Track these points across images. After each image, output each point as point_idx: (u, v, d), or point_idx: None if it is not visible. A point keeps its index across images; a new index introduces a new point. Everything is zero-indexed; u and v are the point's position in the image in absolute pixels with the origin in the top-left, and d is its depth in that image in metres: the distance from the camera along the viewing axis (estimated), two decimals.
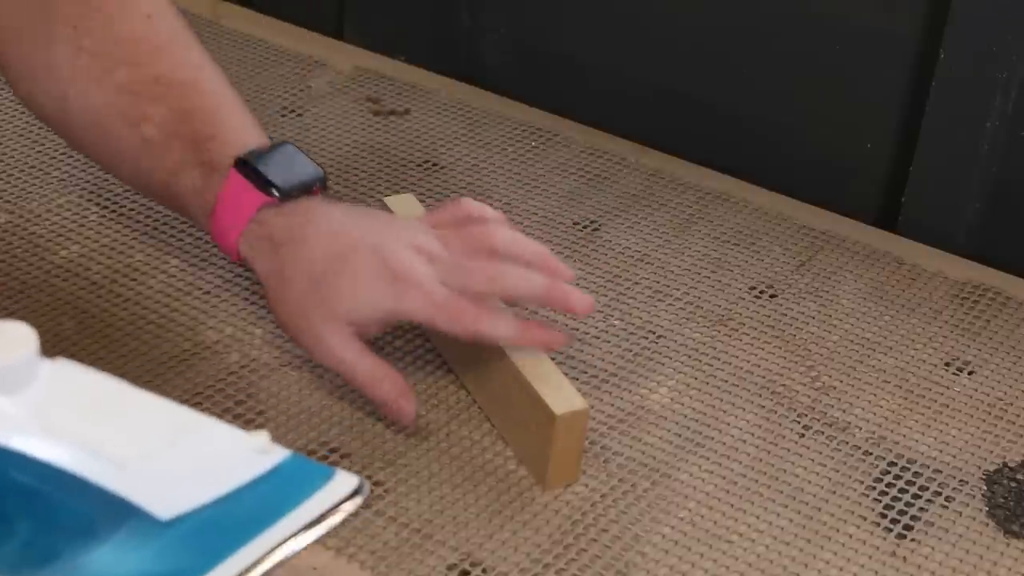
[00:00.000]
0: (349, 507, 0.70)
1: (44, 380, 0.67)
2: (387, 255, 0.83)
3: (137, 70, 0.89)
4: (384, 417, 0.86)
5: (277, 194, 0.85)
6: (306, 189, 0.87)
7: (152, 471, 0.66)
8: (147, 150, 0.88)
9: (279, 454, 0.70)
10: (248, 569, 0.66)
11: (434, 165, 1.15)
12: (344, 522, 0.80)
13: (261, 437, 0.70)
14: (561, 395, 0.82)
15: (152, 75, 0.89)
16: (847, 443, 0.89)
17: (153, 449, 0.67)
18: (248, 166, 0.86)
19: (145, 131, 0.88)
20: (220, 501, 0.67)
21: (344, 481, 0.70)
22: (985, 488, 0.86)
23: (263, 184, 0.85)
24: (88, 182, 1.07)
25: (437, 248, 0.85)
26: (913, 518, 0.84)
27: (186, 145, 0.87)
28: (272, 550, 0.67)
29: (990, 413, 0.93)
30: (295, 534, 0.69)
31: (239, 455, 0.69)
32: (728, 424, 0.90)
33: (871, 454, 0.88)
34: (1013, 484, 0.87)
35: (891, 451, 0.89)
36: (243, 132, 0.89)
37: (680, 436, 0.89)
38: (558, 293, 0.84)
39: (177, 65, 0.91)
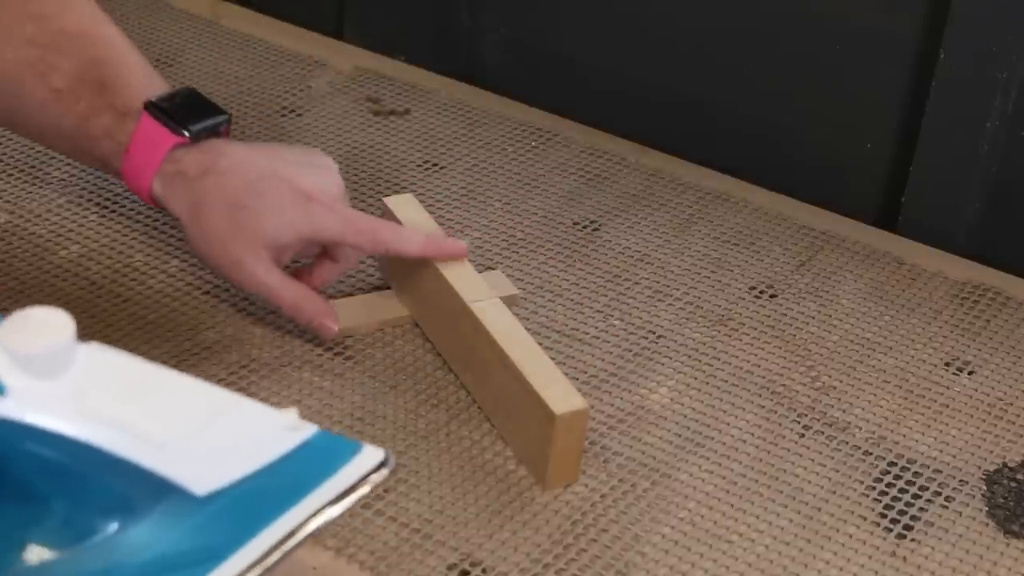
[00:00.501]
0: (376, 478, 0.71)
1: (81, 364, 0.68)
2: (298, 180, 0.89)
3: (42, 23, 0.92)
4: (305, 333, 0.92)
5: (188, 134, 0.89)
6: (214, 129, 0.91)
7: (188, 449, 0.68)
8: (56, 99, 0.91)
9: (308, 430, 0.71)
10: (282, 541, 0.67)
11: (434, 165, 1.15)
12: (344, 522, 0.80)
13: (291, 414, 0.72)
14: (561, 395, 0.82)
15: (57, 28, 0.92)
16: (847, 443, 0.89)
17: (190, 428, 0.68)
18: (158, 108, 0.90)
19: (53, 81, 0.91)
20: (253, 476, 0.69)
21: (371, 454, 0.72)
22: (985, 488, 0.86)
23: (174, 125, 0.89)
24: (88, 182, 1.07)
25: (336, 166, 0.93)
26: (913, 518, 0.84)
27: (95, 91, 0.90)
28: (304, 522, 0.68)
29: (990, 413, 0.93)
30: (326, 506, 0.70)
31: (270, 432, 0.70)
32: (728, 424, 0.90)
33: (871, 454, 0.88)
34: (1013, 484, 0.87)
35: (891, 451, 0.89)
36: (149, 79, 0.93)
37: (680, 436, 0.89)
38: (437, 239, 0.93)
39: (81, 18, 0.94)
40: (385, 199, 0.98)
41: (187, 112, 0.91)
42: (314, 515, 0.68)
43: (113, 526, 0.66)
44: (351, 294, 0.98)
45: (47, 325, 0.68)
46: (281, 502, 0.68)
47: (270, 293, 0.89)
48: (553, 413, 0.81)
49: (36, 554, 0.65)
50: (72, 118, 0.91)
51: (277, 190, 0.89)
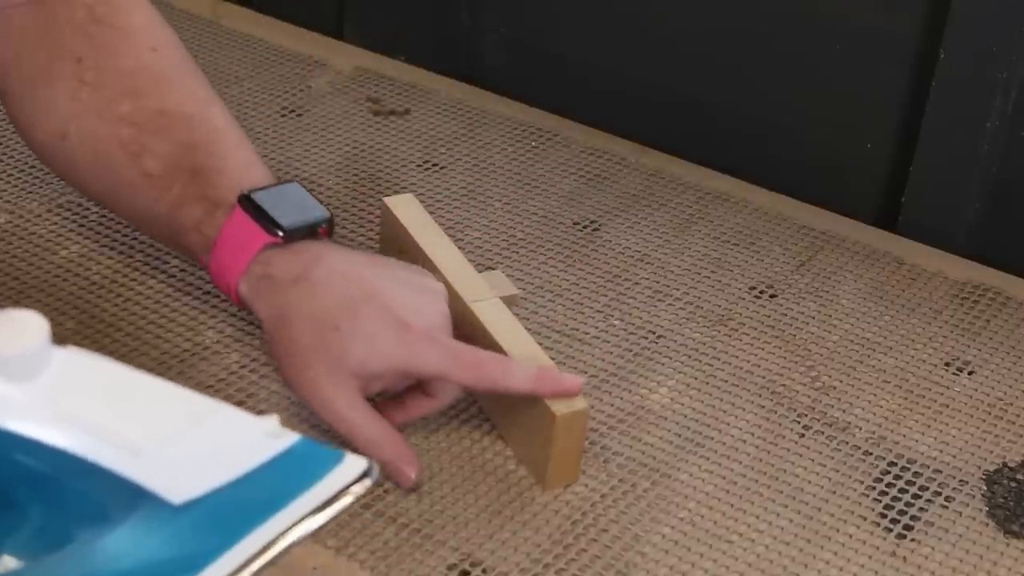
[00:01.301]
0: (359, 489, 0.70)
1: (56, 368, 0.67)
2: (399, 305, 0.80)
3: (140, 102, 0.87)
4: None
5: (281, 233, 0.82)
6: (312, 230, 0.84)
7: (165, 456, 0.67)
8: (148, 183, 0.86)
9: (289, 438, 0.70)
10: (261, 552, 0.66)
11: (434, 165, 1.15)
12: (344, 522, 0.80)
13: (271, 421, 0.71)
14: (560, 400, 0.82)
15: (155, 108, 0.87)
16: (847, 443, 0.89)
17: (166, 435, 0.68)
18: (252, 203, 0.83)
19: (146, 164, 0.86)
20: (232, 485, 0.68)
21: (353, 464, 0.71)
22: (985, 488, 0.86)
23: (268, 222, 0.82)
24: None
25: (444, 292, 0.84)
26: (913, 518, 0.84)
27: (189, 179, 0.85)
28: (284, 532, 0.68)
29: (990, 413, 0.93)
30: (307, 516, 0.69)
31: (250, 439, 0.69)
32: (728, 424, 0.90)
33: (871, 454, 0.88)
34: (1013, 484, 0.87)
35: (891, 451, 0.89)
36: (249, 168, 0.86)
37: (680, 436, 0.89)
38: (550, 375, 0.82)
39: (182, 99, 0.88)
40: (385, 199, 0.98)
41: (285, 207, 0.83)
42: (294, 525, 0.68)
43: (88, 534, 0.65)
44: None
45: (21, 327, 0.67)
46: (260, 512, 0.67)
47: (345, 427, 0.80)
48: (553, 413, 0.81)
49: (9, 563, 0.64)
50: (162, 206, 0.85)
51: (374, 314, 0.79)
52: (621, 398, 0.91)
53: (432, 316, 0.81)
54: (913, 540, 0.82)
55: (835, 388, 0.94)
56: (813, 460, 0.87)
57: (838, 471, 0.87)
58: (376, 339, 0.79)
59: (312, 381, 0.80)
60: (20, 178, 1.07)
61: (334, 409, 0.80)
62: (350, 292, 0.80)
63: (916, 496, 0.85)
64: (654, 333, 0.98)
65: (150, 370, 0.90)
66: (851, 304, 1.02)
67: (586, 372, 0.93)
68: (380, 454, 0.79)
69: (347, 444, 0.79)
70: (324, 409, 0.80)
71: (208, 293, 0.97)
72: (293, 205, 0.83)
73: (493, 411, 0.88)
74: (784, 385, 0.94)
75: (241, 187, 0.84)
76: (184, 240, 0.86)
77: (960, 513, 0.84)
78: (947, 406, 0.93)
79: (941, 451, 0.89)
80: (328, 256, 0.82)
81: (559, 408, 0.81)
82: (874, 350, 0.98)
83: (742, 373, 0.95)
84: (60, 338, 0.92)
